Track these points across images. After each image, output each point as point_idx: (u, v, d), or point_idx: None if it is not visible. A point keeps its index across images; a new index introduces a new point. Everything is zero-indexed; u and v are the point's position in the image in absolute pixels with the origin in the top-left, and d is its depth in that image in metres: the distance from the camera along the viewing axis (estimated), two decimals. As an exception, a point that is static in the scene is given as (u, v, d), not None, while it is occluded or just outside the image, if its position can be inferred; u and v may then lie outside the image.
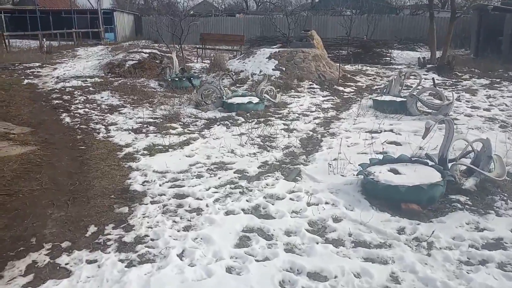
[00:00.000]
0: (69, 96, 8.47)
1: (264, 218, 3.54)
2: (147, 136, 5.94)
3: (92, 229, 3.36)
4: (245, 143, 5.60)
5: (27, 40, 26.74)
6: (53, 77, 10.85)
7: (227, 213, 3.63)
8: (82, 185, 4.23)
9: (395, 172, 4.05)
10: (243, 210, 3.68)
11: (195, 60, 15.28)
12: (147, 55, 12.52)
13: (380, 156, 4.62)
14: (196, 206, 3.76)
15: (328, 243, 3.12)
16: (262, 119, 6.97)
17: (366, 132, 6.16)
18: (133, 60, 11.73)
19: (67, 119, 6.88)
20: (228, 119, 6.94)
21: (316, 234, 3.26)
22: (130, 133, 6.12)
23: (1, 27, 30.24)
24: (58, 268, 2.84)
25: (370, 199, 3.80)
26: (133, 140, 5.75)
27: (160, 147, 5.47)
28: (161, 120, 6.87)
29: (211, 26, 25.66)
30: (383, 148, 5.28)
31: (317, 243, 3.11)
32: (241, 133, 6.11)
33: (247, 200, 3.86)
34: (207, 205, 3.77)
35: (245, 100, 7.64)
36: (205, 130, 6.37)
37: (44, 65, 13.95)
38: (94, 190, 4.11)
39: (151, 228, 3.36)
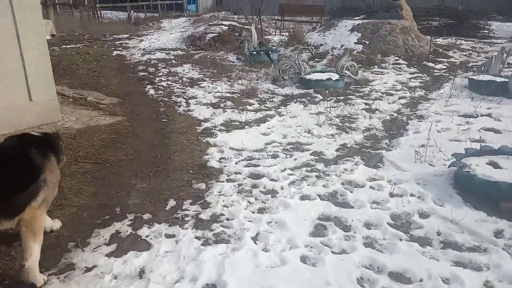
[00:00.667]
0: (153, 69, 8.82)
1: (341, 206, 3.37)
2: (224, 112, 5.97)
3: (172, 203, 3.45)
4: (323, 123, 5.38)
5: (116, 11, 28.45)
6: (139, 49, 11.39)
7: (303, 197, 3.51)
8: (163, 158, 4.37)
9: (495, 165, 3.59)
10: (319, 195, 3.53)
11: (273, 33, 15.05)
12: (227, 27, 12.58)
13: (477, 146, 4.13)
14: (271, 187, 3.69)
15: (413, 241, 2.87)
16: (342, 98, 6.64)
17: (459, 116, 5.57)
18: (213, 33, 11.86)
19: (151, 92, 7.17)
20: (305, 96, 6.72)
21: (399, 229, 3.02)
22: (208, 107, 6.20)
23: None
24: (139, 239, 2.96)
25: (463, 194, 3.42)
26: (211, 115, 5.82)
27: (236, 123, 5.47)
28: (238, 95, 6.87)
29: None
30: (480, 136, 4.73)
31: (401, 240, 2.88)
32: (319, 112, 5.88)
33: (323, 185, 3.70)
34: (282, 188, 3.68)
35: (324, 76, 7.34)
36: (282, 107, 6.23)
37: (132, 37, 14.71)
38: (174, 163, 4.22)
39: (227, 207, 3.37)
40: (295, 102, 6.44)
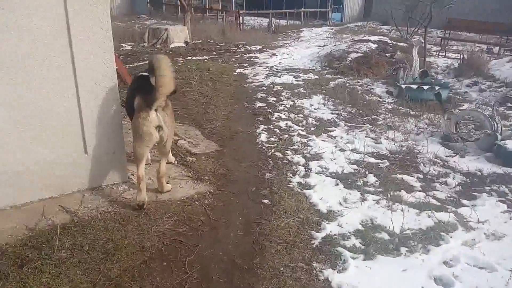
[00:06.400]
0: (274, 99, 6.93)
1: None
2: (363, 200, 3.66)
3: None
4: None
5: (260, 18, 27.96)
6: (266, 67, 9.71)
7: None
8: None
9: None
10: None
11: (436, 54, 11.91)
12: (375, 45, 10.07)
13: None
14: None
15: None
16: None
17: None
18: (357, 52, 9.50)
19: (263, 136, 5.25)
20: (507, 183, 3.97)
21: None
22: (337, 183, 3.96)
23: (241, 5, 32.82)
24: None
25: None
26: (340, 205, 3.58)
27: (384, 236, 3.12)
28: (387, 162, 4.47)
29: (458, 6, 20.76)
30: None
31: None
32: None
33: None
34: None
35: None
36: (466, 202, 3.65)
37: (264, 49, 13.30)
38: None
39: None
40: (488, 195, 3.77)
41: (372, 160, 4.53)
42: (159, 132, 3.30)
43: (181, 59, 10.23)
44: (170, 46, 12.62)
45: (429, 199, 3.67)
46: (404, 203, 3.58)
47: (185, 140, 5.01)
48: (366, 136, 5.25)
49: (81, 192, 3.59)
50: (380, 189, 3.85)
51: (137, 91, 3.43)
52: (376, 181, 4.02)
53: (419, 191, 3.83)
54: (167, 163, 4.12)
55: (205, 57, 10.92)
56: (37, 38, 3.08)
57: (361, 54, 9.35)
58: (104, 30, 3.40)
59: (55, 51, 3.18)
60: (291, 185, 3.94)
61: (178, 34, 13.05)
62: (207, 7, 31.97)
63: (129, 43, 12.91)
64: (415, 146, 4.88)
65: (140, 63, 9.36)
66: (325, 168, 4.32)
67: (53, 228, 3.03)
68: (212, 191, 3.80)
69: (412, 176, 4.14)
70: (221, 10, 26.75)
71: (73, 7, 3.16)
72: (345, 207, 3.54)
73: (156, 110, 3.23)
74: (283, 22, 24.67)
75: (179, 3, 16.09)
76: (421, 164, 4.41)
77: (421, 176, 4.17)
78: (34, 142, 3.29)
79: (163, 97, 3.16)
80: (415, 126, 5.58)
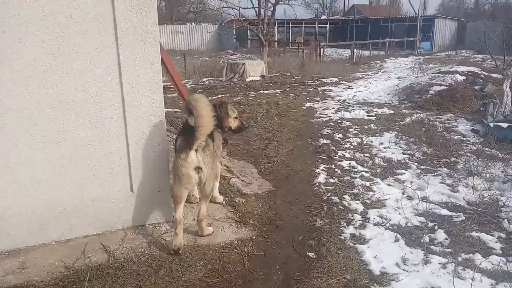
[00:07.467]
0: (341, 135, 6.54)
1: None
2: (425, 261, 3.11)
3: None
4: None
5: (343, 49, 27.63)
6: (338, 101, 9.34)
7: None
8: None
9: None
10: None
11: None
12: (463, 77, 9.14)
13: None
14: None
15: None
16: None
17: None
18: (441, 85, 8.69)
19: (321, 177, 4.90)
20: None
21: None
22: (397, 239, 3.46)
23: (324, 38, 32.94)
24: None
25: None
26: (397, 266, 3.07)
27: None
28: (462, 216, 3.81)
29: None
30: None
31: None
32: None
33: None
34: None
35: None
36: None
37: (341, 82, 12.94)
38: None
39: None
40: None
41: (444, 212, 3.92)
42: (198, 174, 3.20)
43: (253, 92, 10.33)
44: (246, 80, 12.91)
45: (510, 267, 3.00)
46: (477, 269, 2.96)
47: (238, 178, 4.87)
48: (440, 182, 4.61)
49: (124, 230, 3.59)
50: (449, 250, 3.26)
51: (181, 131, 3.40)
52: (446, 238, 3.43)
53: (498, 255, 3.16)
54: (215, 203, 4.04)
55: (277, 90, 10.91)
56: (89, 80, 3.21)
57: (445, 87, 8.53)
58: (153, 71, 3.44)
59: (106, 92, 3.29)
60: (342, 237, 3.53)
61: (255, 68, 13.32)
62: (290, 40, 32.66)
63: (209, 78, 13.49)
64: (499, 197, 4.14)
65: (214, 97, 9.64)
66: (385, 219, 3.83)
67: (88, 268, 3.02)
68: (254, 237, 3.55)
69: (492, 235, 3.46)
70: (303, 43, 27.01)
71: (125, 51, 3.26)
72: (402, 269, 3.04)
73: (196, 150, 3.16)
74: (366, 53, 24.07)
75: (261, 38, 16.50)
76: (505, 220, 3.69)
77: (503, 235, 3.47)
78: (83, 180, 3.39)
79: (203, 137, 3.07)
80: (502, 172, 4.77)
